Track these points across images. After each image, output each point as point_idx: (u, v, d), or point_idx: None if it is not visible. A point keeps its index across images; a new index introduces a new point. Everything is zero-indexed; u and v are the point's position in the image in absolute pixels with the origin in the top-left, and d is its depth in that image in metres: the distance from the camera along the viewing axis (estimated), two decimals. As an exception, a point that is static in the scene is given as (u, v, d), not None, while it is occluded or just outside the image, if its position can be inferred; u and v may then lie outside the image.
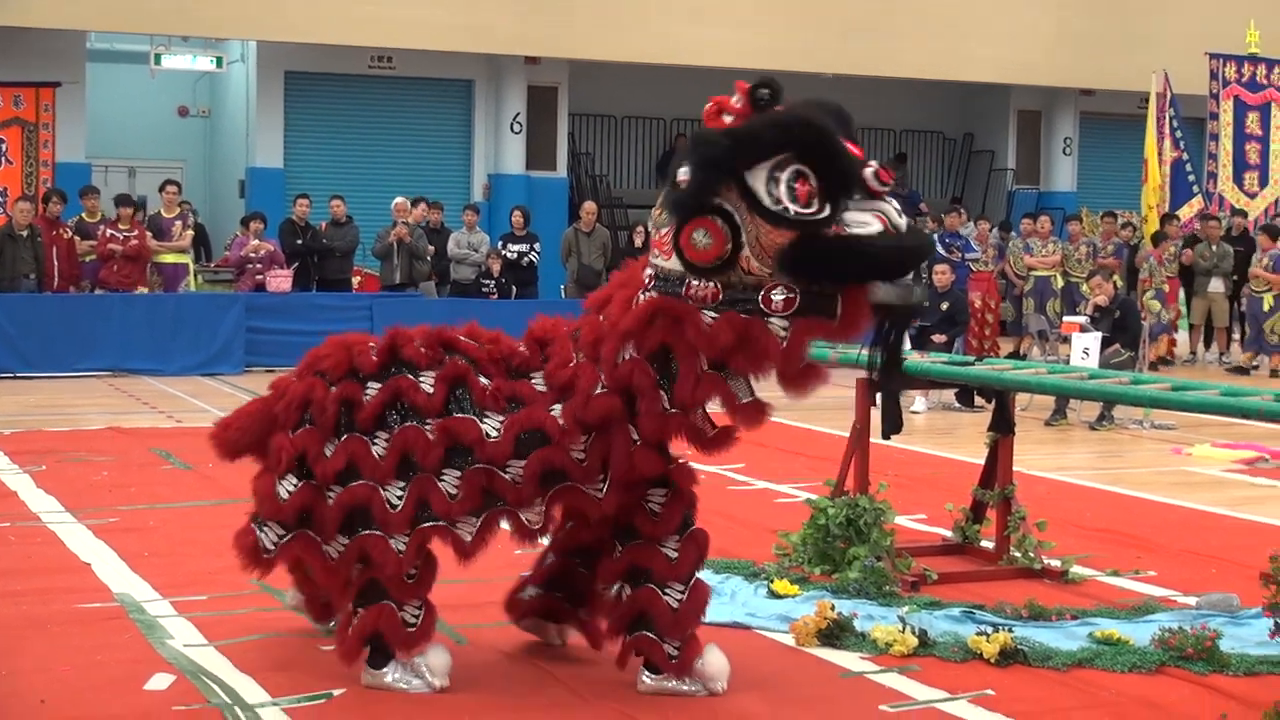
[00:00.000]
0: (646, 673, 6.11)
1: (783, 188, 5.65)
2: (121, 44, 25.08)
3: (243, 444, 6.41)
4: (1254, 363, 20.74)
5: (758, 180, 5.68)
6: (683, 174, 5.72)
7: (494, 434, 5.94)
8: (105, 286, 18.43)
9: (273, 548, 6.20)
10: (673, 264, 5.83)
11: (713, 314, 5.77)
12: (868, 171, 5.75)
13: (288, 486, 6.09)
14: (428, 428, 5.96)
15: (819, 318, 5.81)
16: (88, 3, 21.86)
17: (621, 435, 5.90)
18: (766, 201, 5.67)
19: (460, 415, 5.97)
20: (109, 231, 18.45)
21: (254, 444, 6.36)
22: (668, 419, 5.90)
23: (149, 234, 18.84)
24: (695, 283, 5.78)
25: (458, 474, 5.95)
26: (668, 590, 6.04)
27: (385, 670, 6.04)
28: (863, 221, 5.73)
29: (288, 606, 6.92)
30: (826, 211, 5.69)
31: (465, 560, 6.10)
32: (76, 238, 18.63)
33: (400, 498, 5.94)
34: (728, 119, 5.80)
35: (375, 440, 5.99)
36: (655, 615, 6.03)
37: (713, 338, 5.75)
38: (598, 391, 5.89)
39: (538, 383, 6.05)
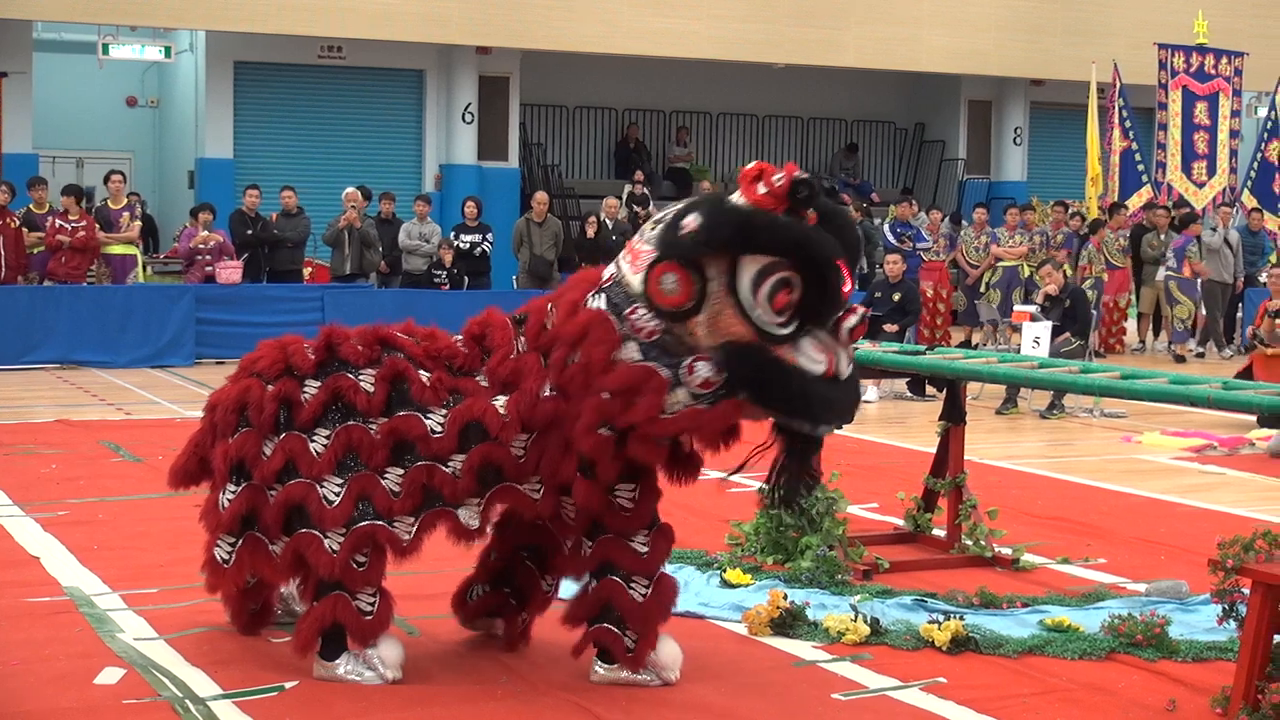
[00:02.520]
0: (600, 663, 6.11)
1: (766, 287, 5.58)
2: (69, 34, 24.90)
3: (189, 471, 6.46)
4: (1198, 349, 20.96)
5: (748, 268, 5.60)
6: (690, 221, 5.65)
7: (438, 430, 5.94)
8: (53, 278, 18.27)
9: (229, 557, 6.18)
10: (635, 280, 5.77)
11: (636, 351, 5.73)
12: (849, 320, 5.72)
13: (227, 495, 6.10)
14: (372, 427, 5.95)
15: (722, 415, 5.82)
16: (35, -8, 21.70)
17: (559, 440, 5.87)
18: (745, 292, 5.62)
19: (404, 413, 5.95)
20: (58, 223, 18.29)
21: (199, 468, 6.41)
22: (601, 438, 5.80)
23: (97, 225, 18.70)
24: (644, 312, 5.73)
25: (400, 471, 5.94)
26: (633, 584, 6.04)
27: (338, 662, 6.02)
28: (814, 358, 5.70)
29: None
30: (790, 330, 5.65)
31: (402, 559, 6.07)
32: (24, 229, 18.46)
33: (338, 494, 5.92)
34: (761, 190, 5.64)
35: (314, 438, 5.98)
36: (619, 607, 6.02)
37: (606, 378, 5.73)
38: (545, 394, 5.87)
39: (480, 379, 6.04)
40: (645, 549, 6.06)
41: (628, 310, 5.75)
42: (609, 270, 5.98)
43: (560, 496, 6.02)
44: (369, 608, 6.01)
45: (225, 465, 6.09)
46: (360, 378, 6.01)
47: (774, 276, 5.57)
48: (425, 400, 5.98)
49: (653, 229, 5.84)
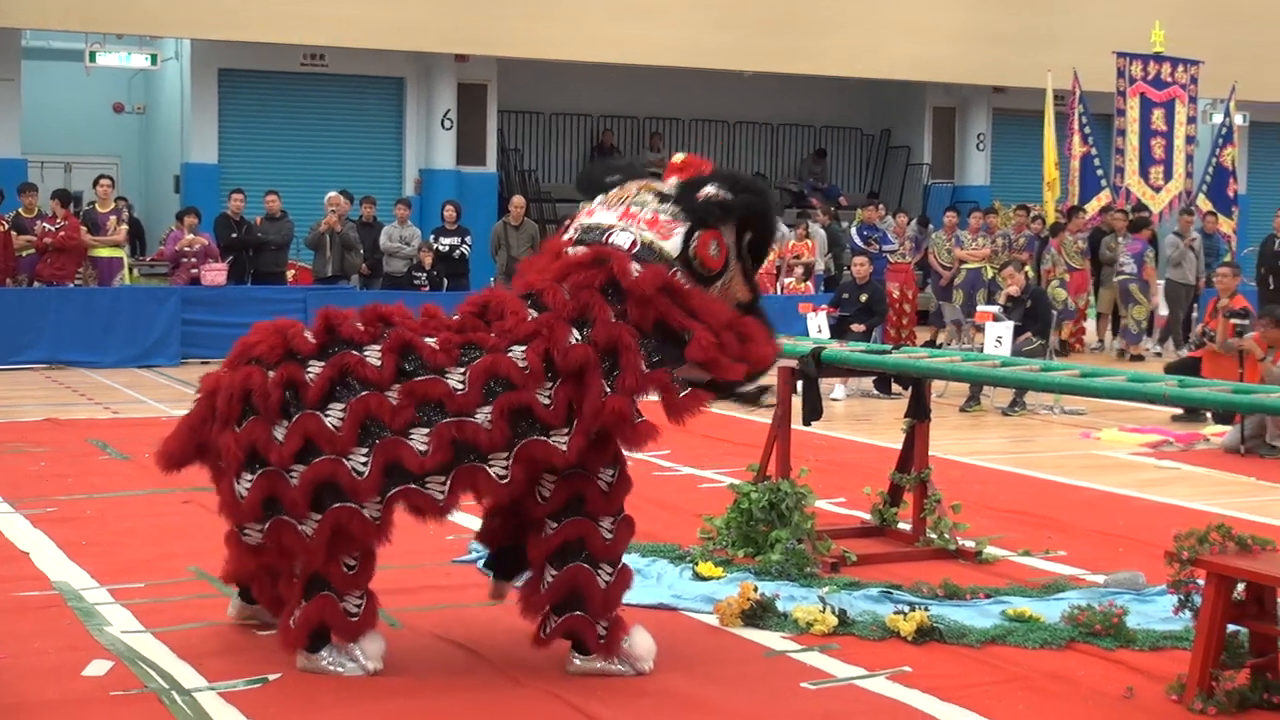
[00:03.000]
0: (576, 655, 6.11)
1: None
2: (57, 41, 24.75)
3: (182, 454, 6.20)
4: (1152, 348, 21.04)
5: (746, 235, 6.23)
6: (712, 190, 6.10)
7: (460, 386, 5.84)
8: (41, 280, 18.23)
9: (260, 542, 5.96)
10: (670, 246, 6.04)
11: None
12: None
13: (244, 484, 5.88)
14: (389, 395, 5.83)
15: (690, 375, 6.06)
16: (23, 1, 21.56)
17: (595, 382, 5.84)
18: (745, 255, 6.25)
19: (423, 378, 5.85)
20: (45, 226, 18.26)
21: (194, 451, 6.16)
22: (648, 375, 5.91)
23: (83, 227, 18.64)
24: (681, 276, 6.00)
25: (426, 431, 5.81)
26: (601, 569, 6.05)
27: (321, 654, 6.01)
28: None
29: (231, 617, 6.76)
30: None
31: (440, 518, 6.01)
32: (13, 232, 18.40)
33: (365, 463, 5.79)
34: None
35: (328, 414, 5.83)
36: (588, 595, 6.02)
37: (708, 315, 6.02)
38: (573, 341, 5.86)
39: (492, 337, 5.97)
40: (611, 535, 6.09)
41: (670, 273, 5.99)
42: (621, 238, 6.06)
43: (543, 474, 6.01)
44: (355, 610, 6.00)
45: (240, 454, 5.87)
46: (365, 353, 5.91)
47: (768, 240, 6.24)
48: (439, 363, 5.88)
49: (659, 201, 6.12)
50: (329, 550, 5.87)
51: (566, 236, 6.28)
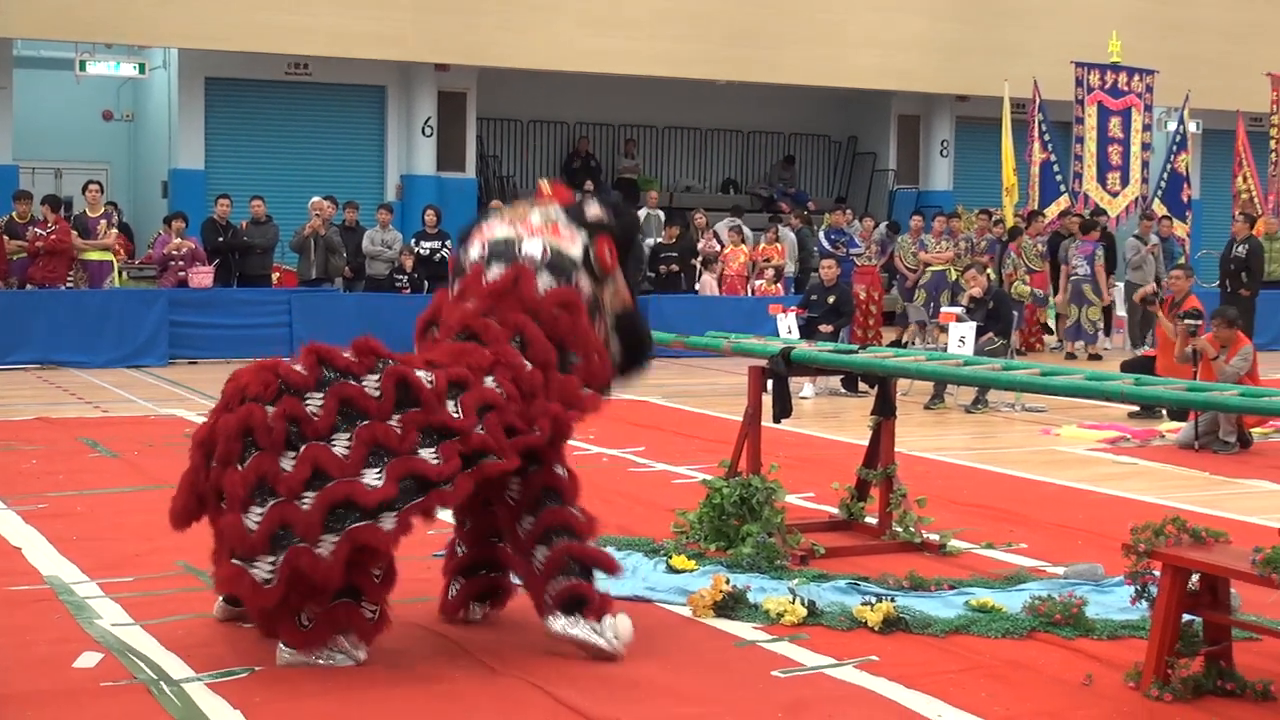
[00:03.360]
0: (561, 614, 6.13)
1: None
2: (48, 51, 24.62)
3: (186, 510, 6.04)
4: (1073, 350, 21.10)
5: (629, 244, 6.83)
6: (596, 209, 6.58)
7: (457, 413, 5.98)
8: (33, 283, 18.17)
9: (271, 576, 5.72)
10: (573, 249, 6.45)
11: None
12: None
13: (253, 517, 5.72)
14: (392, 423, 5.85)
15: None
16: (14, 11, 21.47)
17: (540, 404, 6.18)
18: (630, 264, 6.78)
19: (419, 410, 5.92)
20: (37, 231, 18.22)
21: (196, 504, 6.00)
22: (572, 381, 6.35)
23: (74, 232, 18.59)
24: (584, 279, 6.45)
25: (433, 450, 5.88)
26: (587, 543, 6.24)
27: (305, 656, 5.97)
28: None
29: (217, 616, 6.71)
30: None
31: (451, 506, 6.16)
32: (5, 237, 18.34)
33: (379, 479, 5.77)
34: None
35: (334, 444, 5.78)
36: (584, 559, 6.19)
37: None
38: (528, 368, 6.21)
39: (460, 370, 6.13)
40: (582, 515, 6.30)
41: (575, 276, 6.43)
42: (532, 249, 6.39)
43: (510, 477, 6.14)
44: (371, 615, 6.01)
45: (244, 490, 5.71)
46: (364, 384, 5.90)
47: (639, 257, 6.58)
48: (430, 399, 5.96)
49: (550, 216, 6.53)
50: (345, 570, 5.79)
51: (476, 254, 6.47)
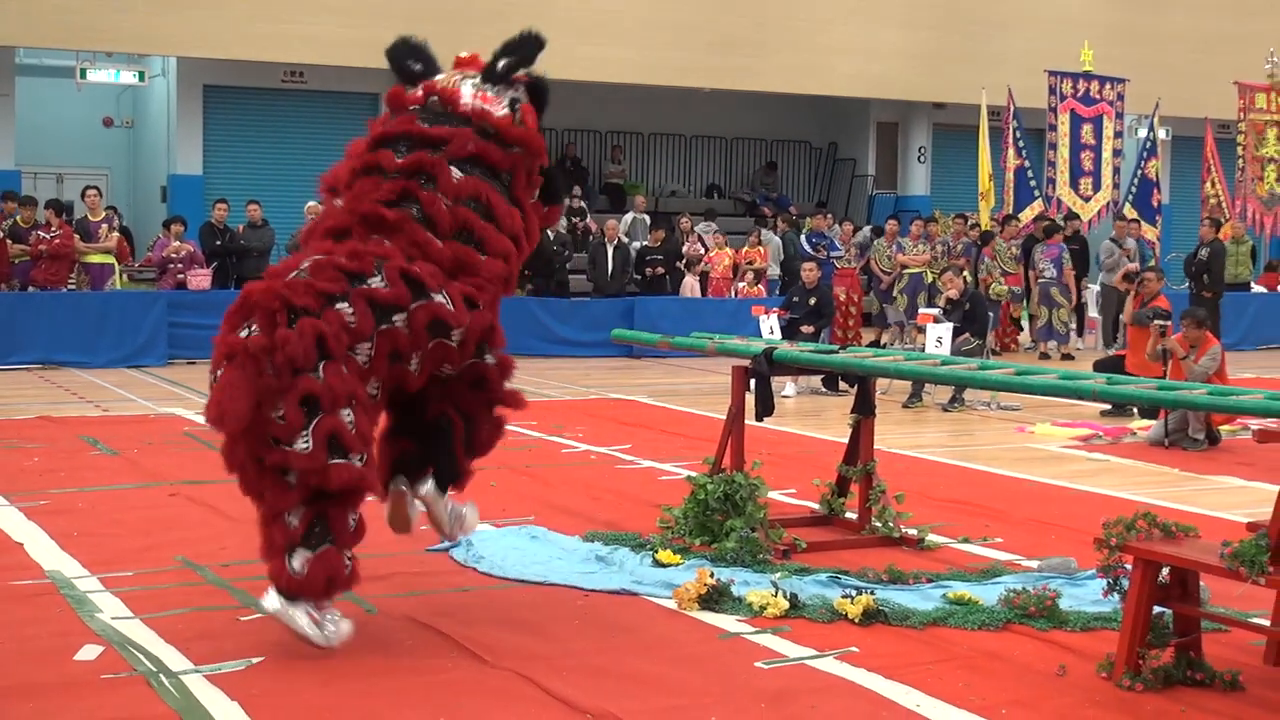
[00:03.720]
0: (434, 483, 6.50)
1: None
2: (49, 59, 24.60)
3: (242, 411, 5.74)
4: (1045, 350, 21.13)
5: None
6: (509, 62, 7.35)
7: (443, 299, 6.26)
8: (35, 285, 18.14)
9: (307, 446, 5.75)
10: (500, 112, 7.26)
11: None
12: None
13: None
14: (397, 322, 6.08)
15: None
16: (16, 19, 21.42)
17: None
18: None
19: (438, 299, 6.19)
20: (40, 234, 18.20)
21: (252, 405, 5.77)
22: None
23: (76, 236, 18.57)
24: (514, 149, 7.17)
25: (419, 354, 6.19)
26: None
27: (300, 607, 5.95)
28: None
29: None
30: None
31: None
32: (9, 240, 18.30)
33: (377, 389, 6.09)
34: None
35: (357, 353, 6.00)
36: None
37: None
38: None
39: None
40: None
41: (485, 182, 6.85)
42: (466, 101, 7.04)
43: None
44: (348, 564, 6.00)
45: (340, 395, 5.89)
46: (371, 283, 6.12)
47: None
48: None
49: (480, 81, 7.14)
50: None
51: (414, 109, 7.06)
